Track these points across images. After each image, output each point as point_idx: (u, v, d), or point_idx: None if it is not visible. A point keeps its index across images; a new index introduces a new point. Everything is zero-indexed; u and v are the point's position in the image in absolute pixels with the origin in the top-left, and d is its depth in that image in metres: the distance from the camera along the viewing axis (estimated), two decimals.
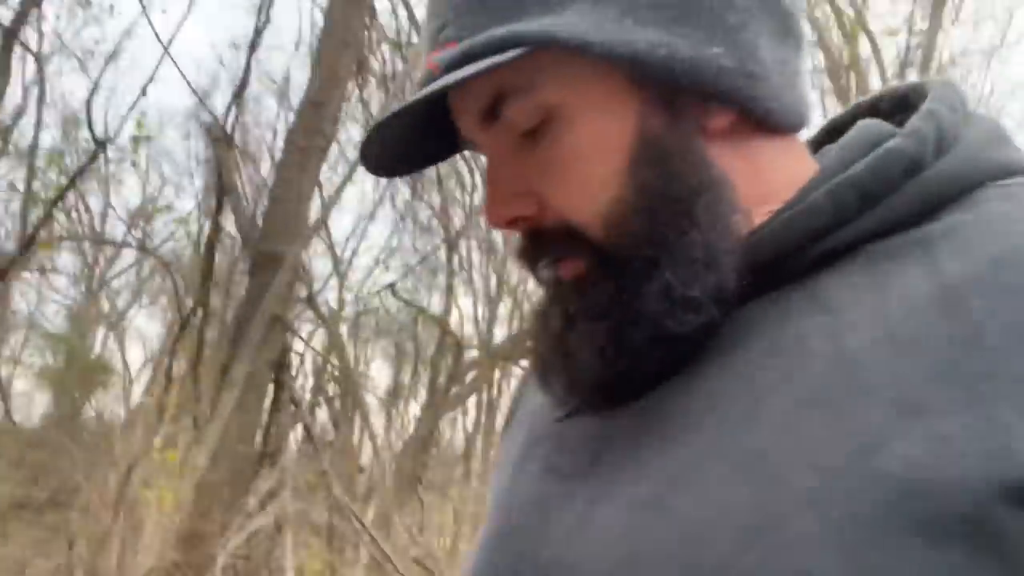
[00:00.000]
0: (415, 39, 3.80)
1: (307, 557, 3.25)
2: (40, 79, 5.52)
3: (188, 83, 4.76)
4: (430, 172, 5.75)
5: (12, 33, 5.25)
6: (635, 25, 0.46)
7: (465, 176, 5.97)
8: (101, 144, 3.83)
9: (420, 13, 4.32)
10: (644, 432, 0.45)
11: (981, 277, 0.38)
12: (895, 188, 0.43)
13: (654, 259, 0.45)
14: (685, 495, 0.39)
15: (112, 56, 3.80)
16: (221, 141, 4.04)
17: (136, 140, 4.13)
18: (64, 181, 3.90)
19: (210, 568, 2.72)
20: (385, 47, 4.39)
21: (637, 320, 0.45)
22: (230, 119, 4.20)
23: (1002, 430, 0.34)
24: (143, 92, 4.03)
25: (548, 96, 0.47)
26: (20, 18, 5.46)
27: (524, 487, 0.52)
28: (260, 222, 3.83)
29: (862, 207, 0.43)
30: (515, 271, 7.38)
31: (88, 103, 3.79)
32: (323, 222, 3.78)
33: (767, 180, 0.48)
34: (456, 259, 7.77)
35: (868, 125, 0.50)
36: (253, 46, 4.18)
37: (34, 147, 5.49)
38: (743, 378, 0.42)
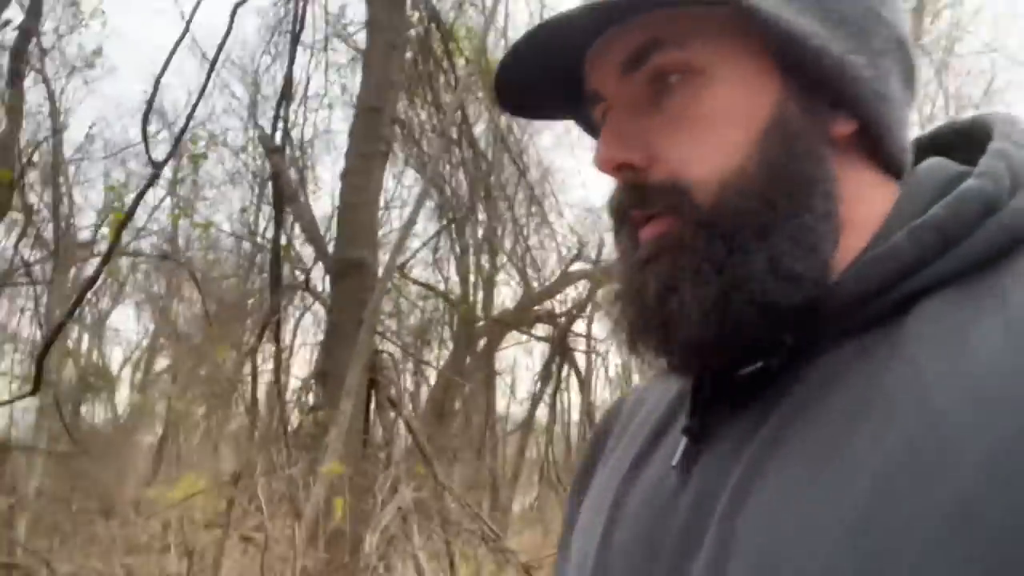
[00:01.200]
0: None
1: (428, 544, 3.46)
2: (51, 102, 5.45)
3: (237, 96, 4.69)
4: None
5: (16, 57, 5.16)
6: (797, 12, 0.48)
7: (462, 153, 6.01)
8: (159, 166, 3.85)
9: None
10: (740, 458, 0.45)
11: None
12: (974, 229, 0.43)
13: (764, 230, 0.46)
14: (795, 548, 0.39)
15: (161, 75, 3.75)
16: (276, 152, 4.09)
17: (194, 159, 4.16)
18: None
19: (358, 564, 2.91)
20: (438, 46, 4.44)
21: (742, 286, 0.45)
22: (280, 129, 4.24)
23: None
24: (193, 110, 4.04)
25: (697, 55, 0.48)
26: (25, 36, 5.35)
27: (670, 487, 0.51)
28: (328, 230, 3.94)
29: (943, 249, 0.43)
30: (519, 242, 7.50)
31: (144, 125, 3.79)
32: (407, 228, 3.88)
33: (856, 207, 0.49)
34: (466, 235, 7.88)
35: (937, 164, 0.51)
36: (292, 54, 4.19)
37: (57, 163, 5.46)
38: (833, 431, 0.42)
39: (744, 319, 0.46)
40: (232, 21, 3.76)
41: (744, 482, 0.44)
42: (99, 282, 3.86)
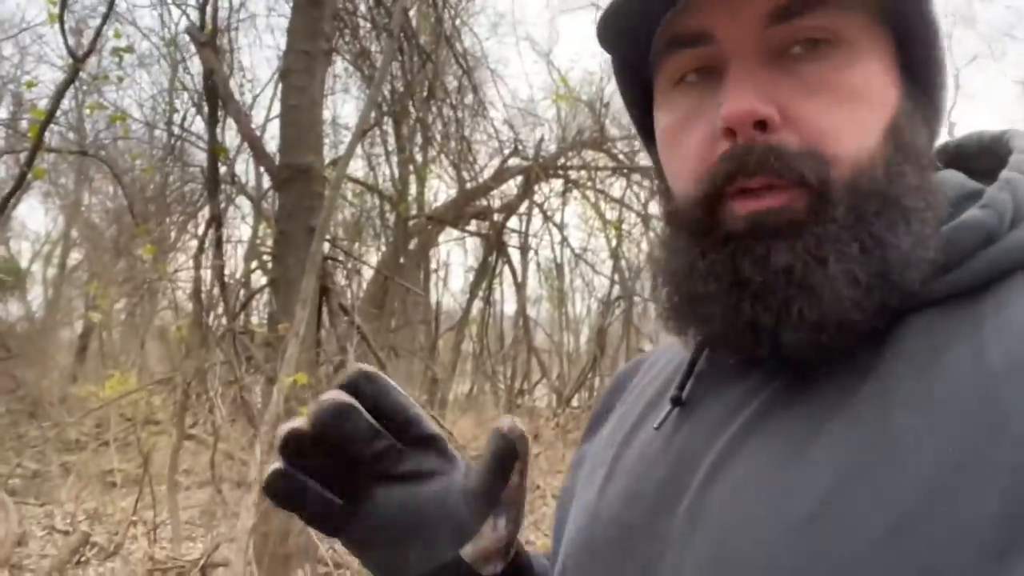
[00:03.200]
0: None
1: None
2: None
3: None
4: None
5: None
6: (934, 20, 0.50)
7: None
8: (80, 60, 3.59)
9: None
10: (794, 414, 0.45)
11: (1015, 365, 0.39)
12: (968, 259, 0.45)
13: (908, 215, 0.45)
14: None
15: None
16: (207, 46, 3.86)
17: (118, 52, 3.86)
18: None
19: None
20: None
21: (890, 269, 0.44)
22: (208, 18, 3.97)
23: (1019, 523, 0.35)
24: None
25: (851, 25, 0.47)
26: None
27: (656, 448, 0.53)
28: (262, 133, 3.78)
29: (935, 275, 0.45)
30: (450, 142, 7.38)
31: (60, 17, 3.50)
32: (358, 136, 3.76)
33: None
34: (403, 132, 7.69)
35: (952, 179, 0.52)
36: None
37: None
38: (803, 426, 0.44)
39: (886, 303, 0.44)
40: None
41: (723, 455, 0.46)
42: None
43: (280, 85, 3.77)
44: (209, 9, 3.98)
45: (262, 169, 4.39)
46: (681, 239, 0.50)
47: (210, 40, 3.79)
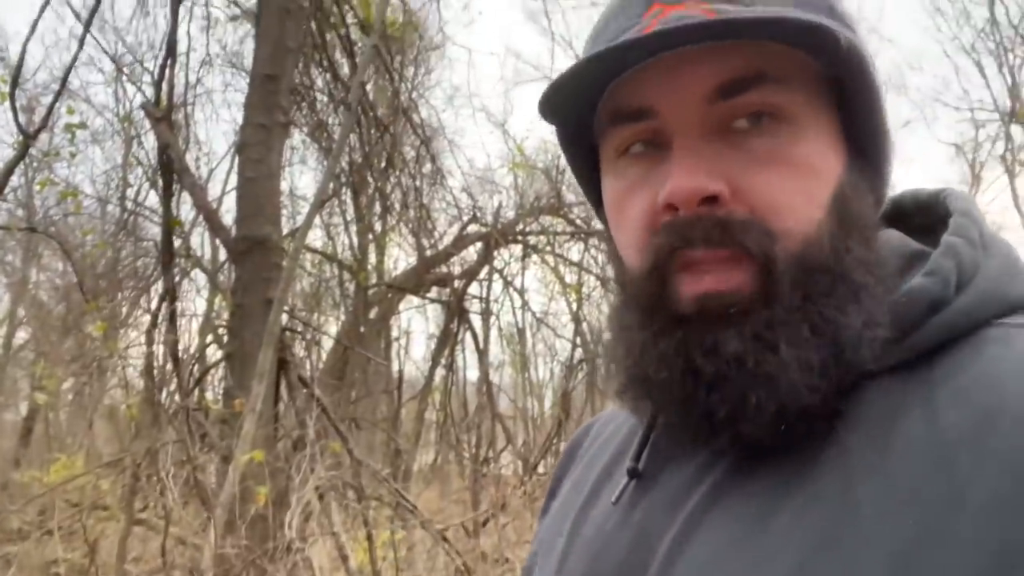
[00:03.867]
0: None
1: (349, 519, 3.48)
2: None
3: (113, 60, 4.32)
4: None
5: None
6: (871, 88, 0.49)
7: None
8: (31, 136, 3.55)
9: None
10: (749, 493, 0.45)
11: (968, 433, 0.39)
12: (917, 327, 0.45)
13: (858, 291, 0.45)
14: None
15: (32, 31, 3.41)
16: (162, 121, 3.85)
17: (71, 128, 3.82)
18: None
19: (280, 548, 2.90)
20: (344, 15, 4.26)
21: (843, 350, 0.44)
22: (164, 94, 3.98)
23: None
24: (67, 75, 3.70)
25: (796, 100, 0.47)
26: None
27: (614, 524, 0.51)
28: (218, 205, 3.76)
29: (887, 344, 0.45)
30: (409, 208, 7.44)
31: (12, 92, 3.47)
32: (316, 207, 3.76)
33: None
34: (362, 201, 7.72)
35: (897, 240, 0.53)
36: (175, 11, 3.92)
37: None
38: (762, 502, 0.43)
39: (840, 386, 0.44)
40: None
41: (683, 533, 0.46)
42: None
43: (237, 158, 3.75)
44: (165, 85, 3.99)
45: (218, 242, 4.34)
46: (633, 313, 0.49)
47: (165, 115, 3.79)
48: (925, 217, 0.55)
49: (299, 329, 4.62)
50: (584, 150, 0.56)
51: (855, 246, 0.47)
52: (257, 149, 3.65)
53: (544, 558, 0.58)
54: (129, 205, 7.92)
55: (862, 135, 0.50)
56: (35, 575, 5.90)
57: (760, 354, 0.43)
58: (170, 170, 3.89)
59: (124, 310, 8.85)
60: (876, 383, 0.45)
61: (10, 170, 3.49)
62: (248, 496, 2.99)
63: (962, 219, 0.50)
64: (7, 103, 3.58)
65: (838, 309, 0.44)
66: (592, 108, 0.52)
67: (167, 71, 3.90)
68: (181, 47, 4.57)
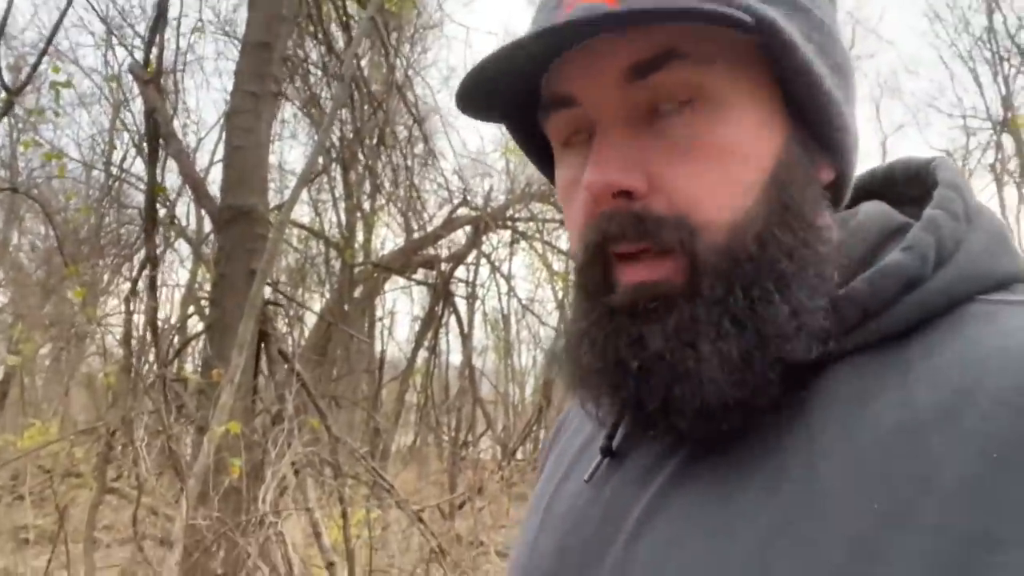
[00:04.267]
0: None
1: (324, 496, 3.45)
2: None
3: (103, 21, 4.22)
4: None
5: None
6: (814, 53, 0.46)
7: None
8: (14, 93, 3.46)
9: None
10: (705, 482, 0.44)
11: (944, 413, 0.38)
12: (893, 303, 0.43)
13: (784, 280, 0.44)
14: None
15: None
16: (150, 84, 3.78)
17: (55, 86, 3.73)
18: None
19: (253, 522, 2.87)
20: None
21: (767, 342, 0.43)
22: (154, 57, 3.89)
23: None
24: (53, 33, 3.61)
25: (716, 78, 0.45)
26: None
27: (584, 500, 0.52)
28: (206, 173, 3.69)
29: (860, 321, 0.44)
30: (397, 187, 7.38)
31: None
32: (304, 179, 3.70)
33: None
34: (351, 178, 7.64)
35: (878, 213, 0.51)
36: None
37: None
38: (728, 480, 0.43)
39: (767, 379, 0.43)
40: None
41: (649, 510, 0.46)
42: None
43: (225, 127, 3.69)
44: (155, 49, 3.90)
45: (203, 213, 4.27)
46: (580, 299, 0.49)
47: (153, 78, 3.71)
48: (914, 187, 0.53)
49: (282, 303, 4.57)
50: (541, 141, 0.56)
51: (787, 233, 0.45)
52: (246, 117, 3.59)
53: (520, 536, 0.58)
54: (114, 171, 7.79)
55: (805, 109, 0.47)
56: (4, 539, 5.85)
57: (680, 350, 0.43)
58: (156, 135, 3.82)
59: (105, 277, 8.75)
60: (848, 363, 0.43)
61: None
62: (223, 468, 2.95)
63: (947, 191, 0.48)
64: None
65: (762, 300, 0.43)
66: (535, 100, 0.51)
67: (157, 34, 3.82)
68: (173, 12, 4.48)
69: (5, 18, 3.32)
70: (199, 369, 3.57)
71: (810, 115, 0.47)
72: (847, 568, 0.36)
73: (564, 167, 0.51)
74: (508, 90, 0.49)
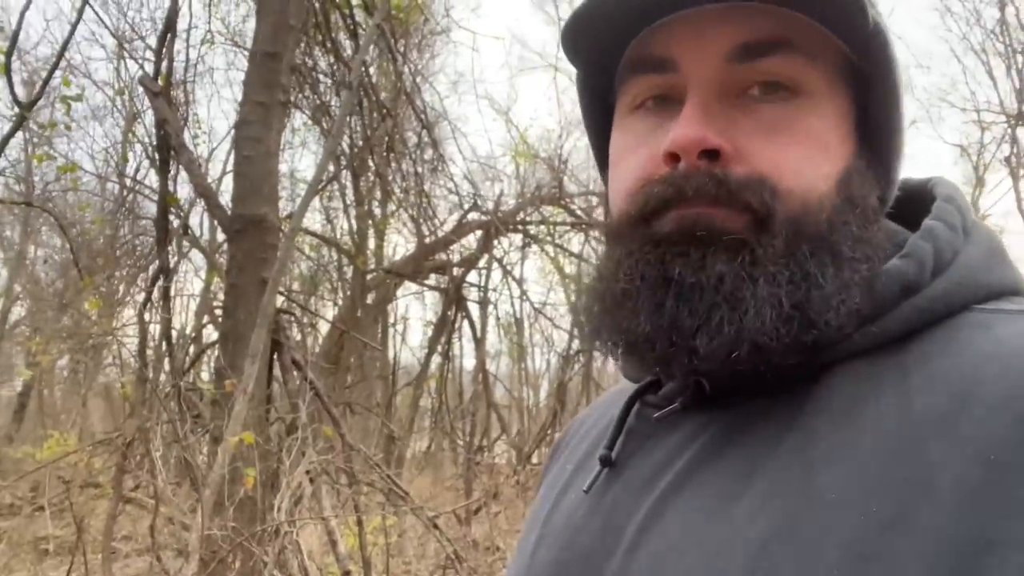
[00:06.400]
0: None
1: (339, 504, 3.45)
2: None
3: (114, 34, 4.26)
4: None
5: None
6: (899, 81, 0.49)
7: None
8: (27, 107, 3.49)
9: None
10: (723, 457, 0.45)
11: (941, 418, 0.38)
12: (890, 310, 0.44)
13: (841, 260, 0.45)
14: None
15: (27, 6, 3.35)
16: (160, 96, 3.80)
17: (67, 100, 3.77)
18: None
19: (269, 531, 2.87)
20: None
21: (812, 306, 0.44)
22: (164, 69, 3.92)
23: None
24: (64, 46, 3.65)
25: (816, 76, 0.46)
26: None
27: (584, 511, 0.52)
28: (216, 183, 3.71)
29: (859, 326, 0.44)
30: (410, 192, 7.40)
31: (7, 62, 3.41)
32: (314, 187, 3.71)
33: None
34: (361, 185, 7.67)
35: (885, 229, 0.51)
36: None
37: None
38: (724, 488, 0.43)
39: (800, 340, 0.43)
40: None
41: (648, 519, 0.45)
42: None
43: (234, 135, 3.71)
44: (165, 61, 3.93)
45: (216, 222, 4.29)
46: (611, 250, 0.49)
47: (164, 90, 3.73)
48: (912, 207, 0.54)
49: (294, 311, 4.58)
50: (600, 107, 0.56)
51: (853, 223, 0.46)
52: (255, 127, 3.60)
53: (519, 549, 0.58)
54: (128, 182, 7.84)
55: (875, 129, 0.49)
56: (25, 550, 5.90)
57: (740, 280, 0.43)
58: (167, 146, 3.84)
59: (120, 288, 8.81)
60: (847, 367, 0.44)
61: (6, 141, 3.44)
62: (238, 478, 2.95)
63: (944, 204, 0.49)
64: (3, 74, 3.52)
65: (819, 268, 0.44)
66: (615, 57, 0.52)
67: (166, 46, 3.84)
68: (183, 23, 4.51)
69: (16, 33, 3.34)
70: (214, 379, 3.58)
71: (879, 137, 0.49)
72: (845, 572, 0.36)
73: (626, 131, 0.51)
74: (597, 38, 0.50)
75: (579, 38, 0.50)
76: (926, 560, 0.34)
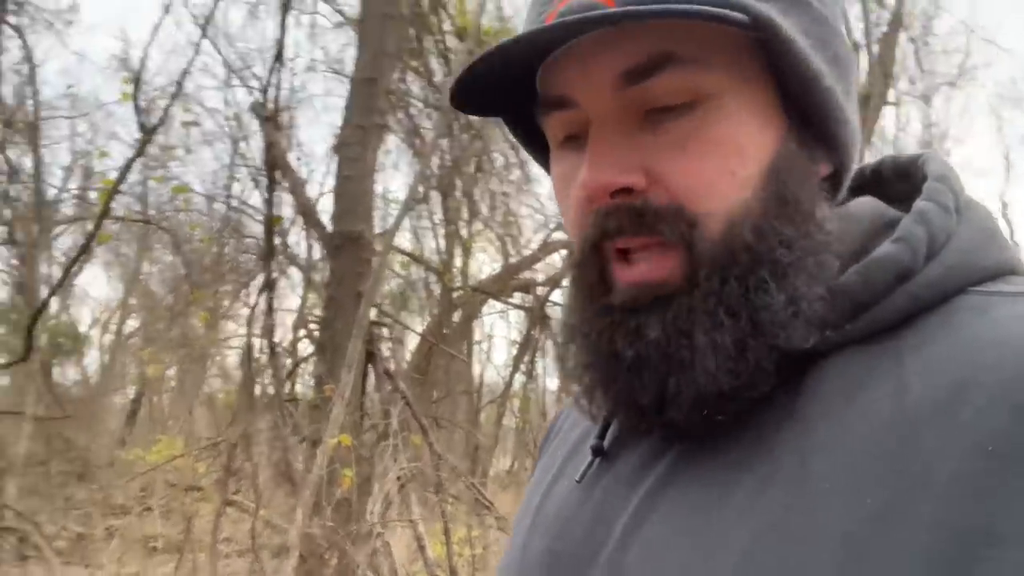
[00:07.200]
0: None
1: (427, 512, 3.56)
2: (29, 61, 5.30)
3: (226, 64, 4.63)
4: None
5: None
6: (811, 46, 0.45)
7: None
8: (150, 132, 3.82)
9: None
10: (705, 471, 0.44)
11: (938, 407, 0.37)
12: (884, 296, 0.43)
13: (782, 270, 0.43)
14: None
15: (152, 37, 3.70)
16: (269, 121, 4.07)
17: (186, 124, 4.11)
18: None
19: (362, 532, 3.00)
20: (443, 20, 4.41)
21: (763, 331, 0.43)
22: (271, 94, 4.20)
23: None
24: (183, 76, 3.98)
25: (712, 78, 0.44)
26: None
27: (575, 501, 0.51)
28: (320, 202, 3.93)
29: (853, 313, 0.43)
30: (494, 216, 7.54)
31: (135, 92, 3.75)
32: (407, 206, 3.89)
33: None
34: (449, 204, 7.89)
35: (869, 207, 0.51)
36: (284, 19, 4.14)
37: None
38: (717, 480, 0.42)
39: (762, 368, 0.43)
40: None
41: (637, 516, 0.45)
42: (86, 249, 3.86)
43: (335, 158, 3.93)
44: (272, 89, 4.21)
45: (312, 241, 4.54)
46: (576, 296, 0.49)
47: (272, 116, 4.00)
48: (903, 183, 0.52)
49: (387, 323, 4.77)
50: (541, 137, 0.55)
51: (786, 225, 0.44)
52: (355, 149, 3.81)
53: (512, 538, 0.58)
54: (234, 203, 8.33)
55: (803, 104, 0.46)
56: (135, 547, 6.30)
57: (676, 340, 0.43)
58: (274, 168, 4.10)
59: (225, 303, 9.34)
60: (840, 356, 0.43)
61: (130, 163, 3.76)
62: (334, 479, 3.10)
63: (936, 184, 0.47)
64: (129, 103, 3.87)
65: (758, 288, 0.43)
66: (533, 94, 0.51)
67: (275, 75, 4.11)
68: (288, 52, 4.81)
69: (141, 69, 3.67)
70: (309, 391, 3.77)
71: (808, 110, 0.47)
72: (840, 566, 0.35)
73: (560, 164, 0.50)
74: (503, 86, 0.49)
75: (471, 90, 0.48)
76: (923, 552, 0.34)
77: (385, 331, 4.23)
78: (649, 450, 0.48)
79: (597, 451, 0.52)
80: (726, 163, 0.44)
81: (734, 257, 0.43)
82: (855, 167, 0.52)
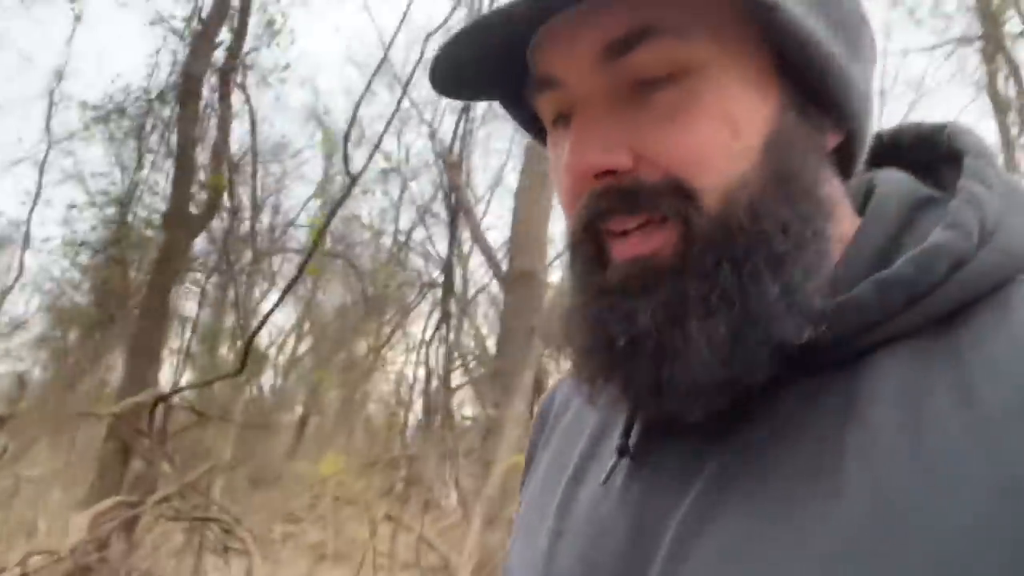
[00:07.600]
0: None
1: None
2: (251, 115, 6.16)
3: (422, 116, 5.18)
4: None
5: (225, 74, 5.85)
6: (806, 11, 0.43)
7: None
8: (355, 178, 4.33)
9: None
10: (739, 472, 0.41)
11: (1013, 412, 0.35)
12: (940, 285, 0.40)
13: (778, 258, 0.41)
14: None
15: (364, 95, 4.23)
16: (454, 167, 4.48)
17: (385, 172, 4.63)
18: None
19: None
20: None
21: (756, 322, 0.40)
22: (457, 144, 4.63)
23: None
24: (386, 129, 4.49)
25: (696, 49, 0.42)
26: (233, 56, 6.04)
27: (608, 507, 0.47)
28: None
29: (908, 304, 0.41)
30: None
31: (345, 139, 4.29)
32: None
33: (834, 225, 0.44)
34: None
35: (902, 184, 0.48)
36: None
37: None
38: (783, 488, 0.39)
39: (757, 360, 0.41)
40: (424, 50, 4.16)
41: (690, 526, 0.42)
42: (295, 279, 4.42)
43: (515, 200, 4.25)
44: (457, 140, 4.64)
45: (469, 277, 4.87)
46: (574, 278, 0.48)
47: (457, 162, 4.41)
48: (925, 153, 0.50)
49: (555, 357, 5.02)
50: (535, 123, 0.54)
51: (784, 205, 0.42)
52: (533, 193, 4.12)
53: (526, 539, 0.54)
54: (400, 239, 8.98)
55: (802, 70, 0.44)
56: (305, 553, 6.83)
57: (668, 328, 0.41)
58: (457, 210, 4.50)
59: (387, 331, 10.03)
60: (894, 351, 0.40)
61: (337, 206, 4.27)
62: (507, 498, 3.33)
63: (978, 161, 0.45)
64: (319, 151, 4.39)
65: (752, 277, 0.41)
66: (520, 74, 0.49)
67: (461, 123, 4.54)
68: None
69: (351, 124, 4.19)
70: (484, 411, 4.05)
71: (808, 77, 0.44)
72: None
73: (555, 146, 0.48)
74: (500, 69, 0.48)
75: (448, 73, 0.47)
76: (1012, 570, 0.32)
77: (553, 364, 4.46)
78: (690, 452, 0.44)
79: (622, 450, 0.49)
80: (717, 135, 0.42)
81: (730, 238, 0.42)
82: (870, 135, 0.49)
